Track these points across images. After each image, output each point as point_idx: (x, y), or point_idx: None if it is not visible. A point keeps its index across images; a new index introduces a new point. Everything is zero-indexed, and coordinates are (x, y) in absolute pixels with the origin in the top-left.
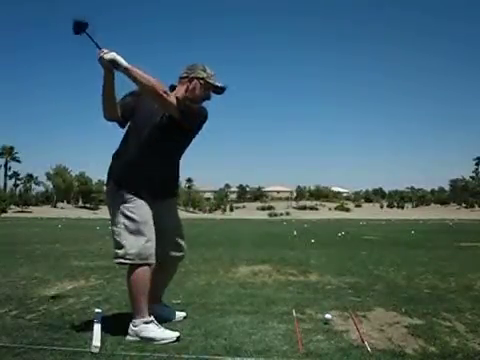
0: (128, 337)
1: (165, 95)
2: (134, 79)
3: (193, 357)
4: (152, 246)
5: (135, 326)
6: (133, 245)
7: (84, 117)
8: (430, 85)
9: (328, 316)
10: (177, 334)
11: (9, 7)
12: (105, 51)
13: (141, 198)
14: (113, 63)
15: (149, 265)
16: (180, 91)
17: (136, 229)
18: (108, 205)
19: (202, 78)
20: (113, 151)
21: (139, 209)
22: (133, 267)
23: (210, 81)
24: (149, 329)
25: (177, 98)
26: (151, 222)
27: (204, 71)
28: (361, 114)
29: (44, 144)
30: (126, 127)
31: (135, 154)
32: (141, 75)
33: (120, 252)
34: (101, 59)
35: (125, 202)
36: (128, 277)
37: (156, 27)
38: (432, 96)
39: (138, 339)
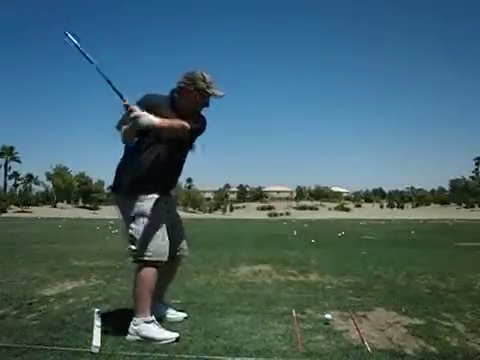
0: (128, 336)
1: (185, 130)
2: (163, 131)
3: (193, 357)
4: (167, 244)
5: (136, 325)
6: (151, 243)
7: (84, 117)
8: (430, 85)
9: (328, 316)
10: (177, 334)
11: (9, 7)
12: (136, 110)
13: (155, 198)
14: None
15: (158, 266)
16: (180, 102)
17: (153, 228)
18: (120, 207)
19: (202, 89)
20: (113, 151)
21: (154, 209)
22: (144, 265)
23: (210, 92)
24: (149, 329)
25: (185, 122)
26: (165, 222)
27: (203, 81)
28: (361, 114)
29: (44, 144)
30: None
31: (142, 160)
32: (169, 127)
33: (138, 250)
34: (132, 119)
35: (141, 203)
36: (137, 274)
37: (156, 27)
38: (432, 96)
39: (138, 338)
